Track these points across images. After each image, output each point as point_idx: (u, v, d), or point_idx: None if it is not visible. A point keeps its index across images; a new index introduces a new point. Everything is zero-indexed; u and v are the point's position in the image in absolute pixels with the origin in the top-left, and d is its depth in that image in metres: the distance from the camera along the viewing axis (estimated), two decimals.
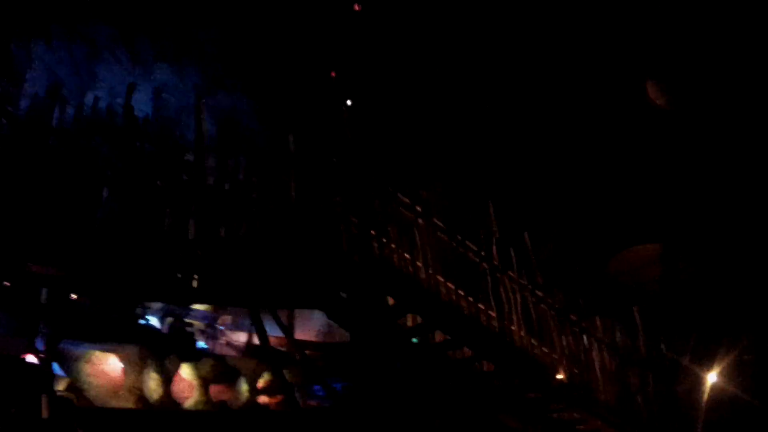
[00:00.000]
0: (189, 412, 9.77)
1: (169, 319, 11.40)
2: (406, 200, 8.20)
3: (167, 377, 10.10)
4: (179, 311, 11.59)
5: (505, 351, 7.97)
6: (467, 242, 8.42)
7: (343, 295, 8.19)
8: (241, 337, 13.08)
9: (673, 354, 9.78)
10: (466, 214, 8.74)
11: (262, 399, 11.79)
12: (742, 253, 11.57)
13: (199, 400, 10.70)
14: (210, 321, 12.46)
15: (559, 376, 8.29)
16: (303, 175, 7.96)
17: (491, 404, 8.80)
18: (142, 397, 9.49)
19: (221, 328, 12.66)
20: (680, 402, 9.48)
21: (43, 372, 6.86)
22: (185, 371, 10.58)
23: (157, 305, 11.51)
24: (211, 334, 12.35)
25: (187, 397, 10.57)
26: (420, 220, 7.98)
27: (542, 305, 8.61)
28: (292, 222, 7.80)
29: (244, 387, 11.56)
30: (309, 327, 15.03)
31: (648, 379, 9.32)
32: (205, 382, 10.82)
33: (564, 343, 8.63)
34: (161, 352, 10.16)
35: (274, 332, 14.16)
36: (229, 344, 12.74)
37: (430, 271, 7.69)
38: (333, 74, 10.34)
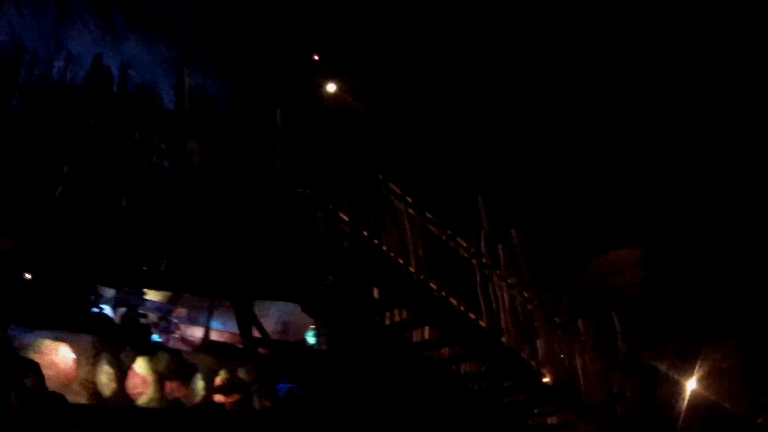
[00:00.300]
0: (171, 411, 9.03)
1: (122, 310, 10.62)
2: (397, 190, 7.81)
3: (122, 371, 9.36)
4: (133, 301, 10.83)
5: (495, 351, 7.65)
6: (458, 238, 8.09)
7: (323, 285, 7.67)
8: (196, 332, 12.39)
9: (652, 359, 9.73)
10: (452, 209, 8.40)
11: (218, 398, 11.15)
12: (721, 260, 11.70)
13: (154, 396, 10.00)
14: (164, 313, 11.75)
15: (547, 379, 8.06)
16: (289, 152, 7.44)
17: (471, 409, 8.46)
18: (95, 392, 8.71)
19: (175, 321, 11.95)
20: (661, 407, 9.44)
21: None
22: (140, 365, 9.87)
23: (109, 294, 10.73)
24: (165, 327, 11.62)
25: (140, 393, 9.86)
26: (411, 211, 7.60)
27: (530, 305, 8.36)
28: (276, 201, 7.25)
29: (200, 384, 10.90)
30: (264, 324, 14.47)
31: (628, 383, 9.22)
32: (160, 378, 10.12)
33: (551, 344, 8.41)
34: (116, 343, 9.40)
35: (228, 328, 13.57)
36: (183, 339, 12.02)
37: (421, 263, 7.31)
38: (315, 57, 9.88)
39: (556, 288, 9.28)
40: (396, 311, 7.81)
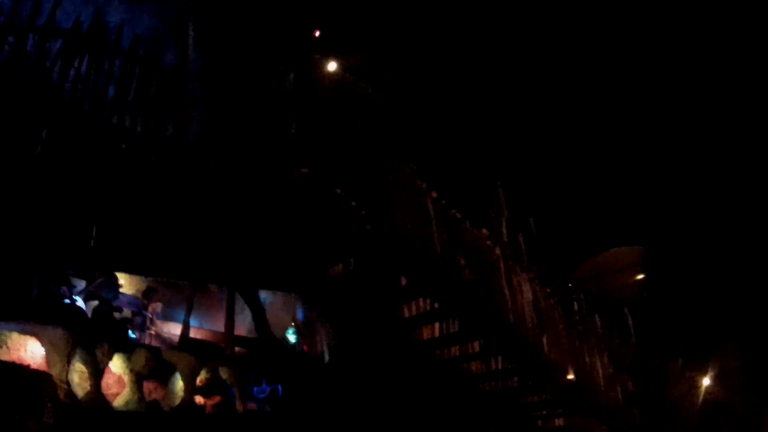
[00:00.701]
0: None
1: (94, 303, 9.65)
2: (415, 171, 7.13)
3: (97, 370, 8.43)
4: (106, 295, 9.86)
5: (518, 347, 7.03)
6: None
7: (334, 273, 6.92)
8: (172, 329, 11.42)
9: (662, 360, 9.33)
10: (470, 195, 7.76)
11: (198, 399, 10.28)
12: (724, 259, 11.42)
13: (131, 398, 9.11)
14: (138, 308, 10.77)
15: (570, 377, 7.47)
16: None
17: (480, 411, 7.82)
18: (69, 393, 7.77)
19: (150, 316, 10.97)
20: (673, 408, 9.04)
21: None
22: (116, 364, 8.96)
23: (80, 287, 9.75)
24: (139, 324, 10.65)
25: (116, 394, 8.96)
26: (434, 193, 6.92)
27: (550, 300, 7.77)
28: (280, 179, 6.47)
29: (179, 385, 10.01)
30: (239, 323, 13.62)
31: (640, 383, 8.76)
32: (137, 378, 9.21)
33: (570, 342, 7.84)
34: (91, 339, 8.46)
35: (207, 325, 12.65)
36: (158, 336, 11.06)
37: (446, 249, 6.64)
38: (316, 33, 9.11)
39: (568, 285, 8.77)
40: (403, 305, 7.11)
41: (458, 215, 7.07)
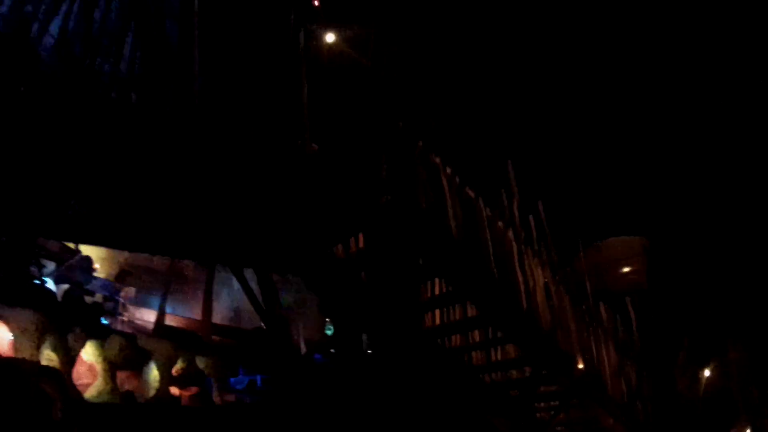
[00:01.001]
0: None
1: (65, 286, 8.92)
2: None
3: (69, 357, 7.73)
4: (78, 277, 9.15)
5: (533, 335, 6.61)
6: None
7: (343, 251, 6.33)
8: (145, 315, 10.74)
9: (666, 351, 9.07)
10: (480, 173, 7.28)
11: (174, 390, 9.66)
12: (727, 253, 11.27)
13: (103, 389, 8.39)
14: (111, 293, 10.06)
15: (580, 366, 7.09)
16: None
17: (483, 404, 7.35)
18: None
19: (122, 302, 10.28)
20: (676, 399, 8.80)
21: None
22: (88, 351, 8.25)
23: (50, 268, 9.01)
24: (112, 309, 9.94)
25: (87, 385, 8.26)
26: (448, 169, 6.43)
27: (561, 286, 7.38)
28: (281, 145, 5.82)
29: (154, 375, 9.36)
30: (216, 310, 13.01)
31: (644, 375, 8.47)
32: (111, 367, 8.52)
33: (579, 331, 7.47)
34: (62, 323, 7.75)
35: (183, 312, 12.01)
36: (131, 323, 10.37)
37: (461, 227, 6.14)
38: (315, 2, 8.50)
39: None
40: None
41: (472, 194, 6.61)
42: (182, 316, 11.36)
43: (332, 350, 12.35)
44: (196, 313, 11.80)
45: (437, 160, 6.34)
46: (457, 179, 6.46)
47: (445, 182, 6.26)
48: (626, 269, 11.83)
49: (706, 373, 9.43)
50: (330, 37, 8.34)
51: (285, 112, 5.78)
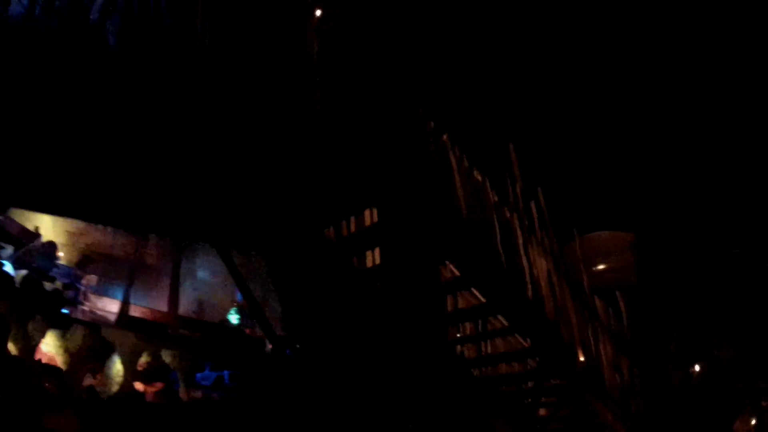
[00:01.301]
0: None
1: (23, 272, 8.17)
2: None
3: (29, 347, 7.07)
4: (41, 263, 8.44)
5: (539, 324, 6.27)
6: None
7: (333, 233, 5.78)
8: (108, 305, 10.01)
9: (658, 346, 8.93)
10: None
11: (138, 386, 9.02)
12: (717, 249, 11.23)
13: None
14: (72, 280, 9.32)
15: (581, 359, 6.81)
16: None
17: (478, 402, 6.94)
18: None
19: (84, 289, 9.55)
20: (671, 395, 8.67)
21: None
22: (48, 342, 7.61)
23: (6, 252, 8.25)
24: (72, 297, 9.20)
25: None
26: (457, 150, 6.04)
27: (562, 277, 7.08)
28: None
29: (118, 369, 8.72)
30: (181, 302, 12.33)
31: (634, 370, 8.28)
32: (72, 358, 7.87)
33: (579, 323, 7.18)
34: (21, 311, 7.08)
35: (148, 303, 11.31)
36: (92, 312, 9.64)
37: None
38: None
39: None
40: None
41: (480, 177, 6.24)
42: (147, 307, 10.66)
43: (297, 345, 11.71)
44: (161, 304, 11.13)
45: (445, 137, 5.95)
46: (466, 161, 6.08)
47: (454, 163, 5.88)
48: (614, 263, 11.72)
49: (698, 368, 9.39)
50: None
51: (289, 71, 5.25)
